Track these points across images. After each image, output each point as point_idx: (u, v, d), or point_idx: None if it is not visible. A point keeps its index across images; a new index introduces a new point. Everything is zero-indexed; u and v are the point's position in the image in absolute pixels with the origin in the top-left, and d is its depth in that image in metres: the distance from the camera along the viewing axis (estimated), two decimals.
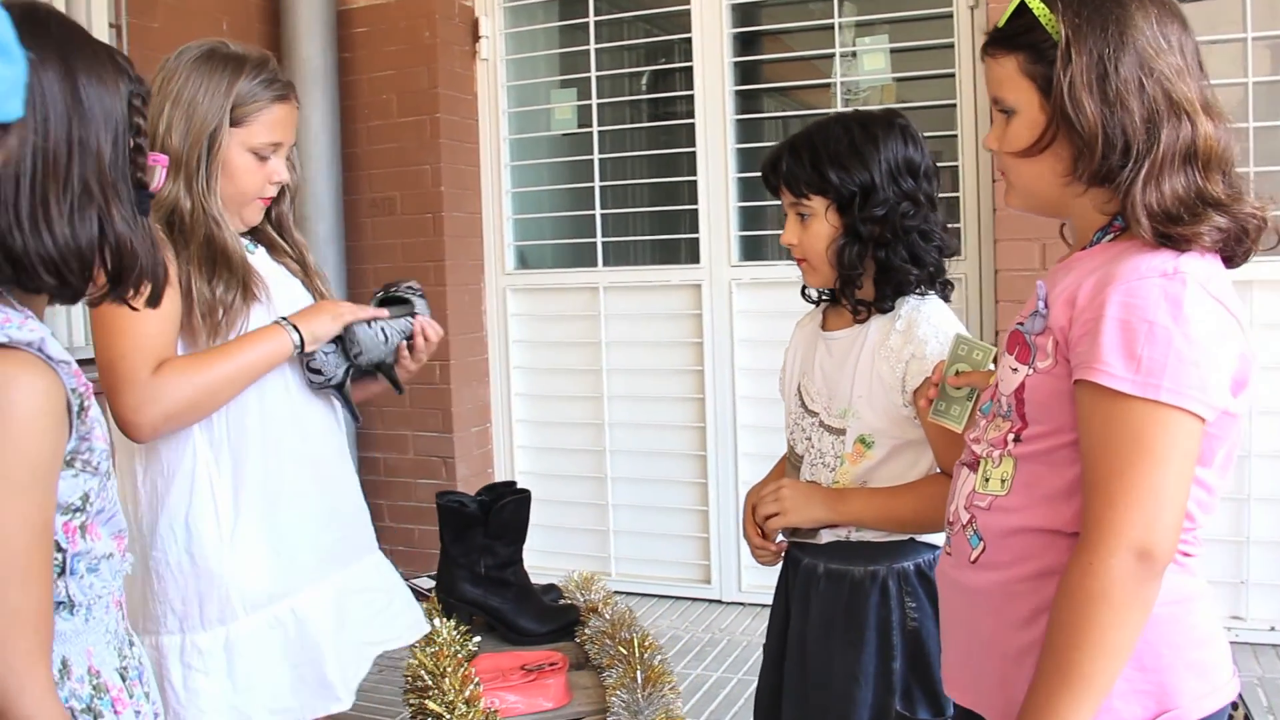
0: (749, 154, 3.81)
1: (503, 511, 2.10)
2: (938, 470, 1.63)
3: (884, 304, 1.67)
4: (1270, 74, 3.19)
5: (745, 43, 4.10)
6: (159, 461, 1.67)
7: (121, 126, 1.06)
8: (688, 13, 3.85)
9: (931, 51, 3.62)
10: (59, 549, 1.05)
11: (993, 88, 1.27)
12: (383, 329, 1.78)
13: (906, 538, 1.65)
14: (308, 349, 1.72)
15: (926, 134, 3.81)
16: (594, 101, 4.02)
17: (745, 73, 4.04)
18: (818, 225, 1.67)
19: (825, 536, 1.69)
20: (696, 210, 3.88)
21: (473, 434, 4.15)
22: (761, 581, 3.75)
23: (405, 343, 1.85)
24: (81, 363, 1.14)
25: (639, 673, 1.79)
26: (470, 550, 2.10)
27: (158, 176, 1.16)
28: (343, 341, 1.77)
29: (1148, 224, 1.14)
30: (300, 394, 1.78)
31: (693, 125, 3.86)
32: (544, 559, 4.16)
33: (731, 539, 3.86)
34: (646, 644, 1.92)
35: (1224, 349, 1.13)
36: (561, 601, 2.23)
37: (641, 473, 4.03)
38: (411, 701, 1.80)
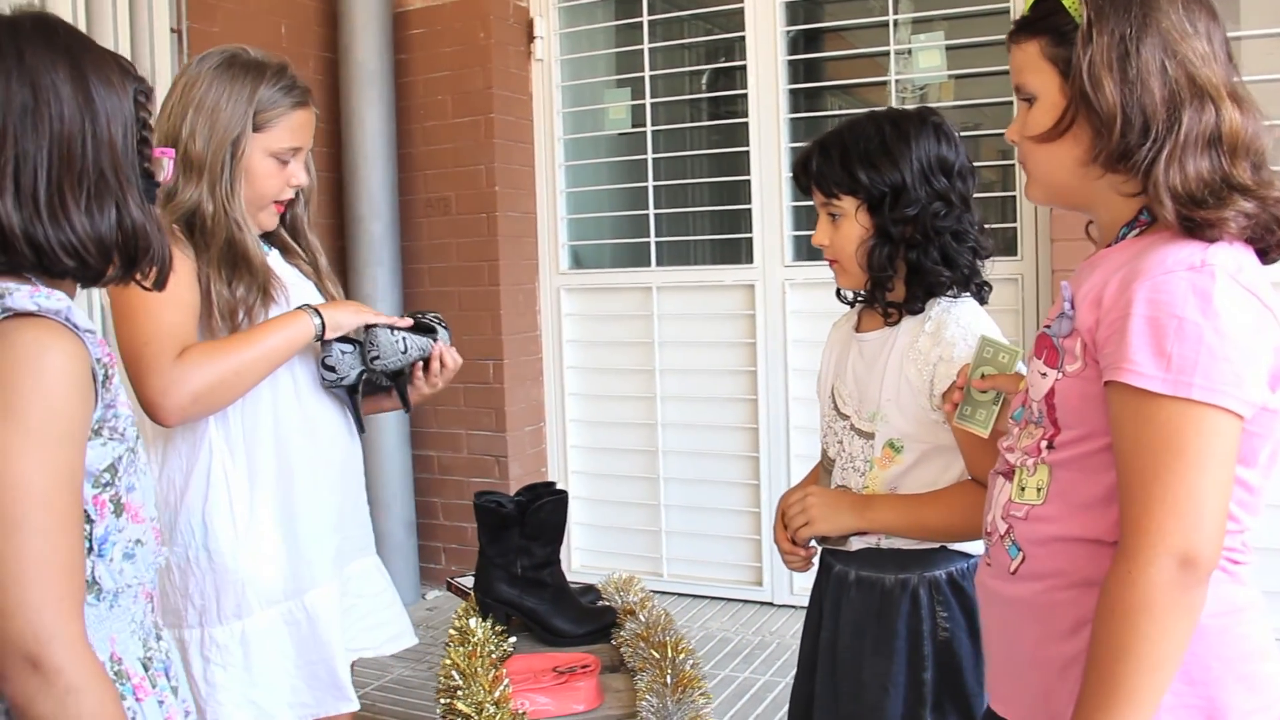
0: None
1: (540, 512, 2.10)
2: (968, 477, 1.59)
3: (914, 305, 1.64)
4: None
5: (808, 39, 4.06)
6: (177, 458, 1.71)
7: (130, 121, 1.13)
8: (741, 11, 3.82)
9: (988, 48, 3.55)
10: (88, 520, 1.08)
11: (1015, 75, 1.26)
12: (404, 339, 1.80)
13: (938, 545, 1.62)
14: (328, 335, 1.74)
15: (984, 132, 3.78)
16: (648, 101, 4.01)
17: (805, 70, 4.01)
18: (848, 226, 1.64)
19: (856, 544, 1.66)
20: (750, 210, 3.86)
21: (526, 433, 4.17)
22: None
23: (422, 364, 1.86)
24: None
25: (669, 677, 1.78)
26: (507, 550, 2.10)
27: (166, 169, 1.23)
28: (362, 345, 1.79)
29: (1171, 205, 1.11)
30: (311, 396, 1.81)
31: (746, 124, 3.84)
32: (596, 559, 4.18)
33: None
34: (680, 648, 1.90)
35: (1259, 342, 1.09)
36: (600, 603, 2.22)
37: (694, 473, 4.01)
38: (442, 701, 1.81)
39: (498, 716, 1.71)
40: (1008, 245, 3.49)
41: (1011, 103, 3.36)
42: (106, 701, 1.02)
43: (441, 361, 1.88)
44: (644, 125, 4.04)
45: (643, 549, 4.13)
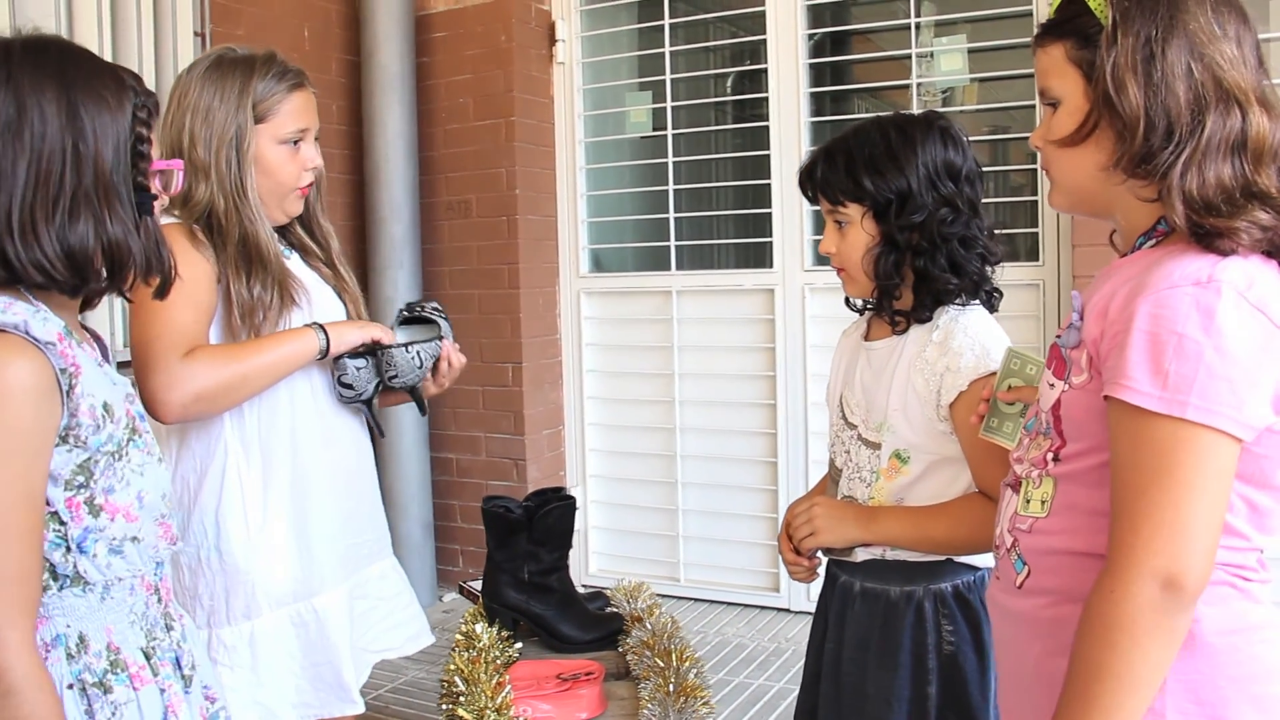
0: None
1: (548, 518, 2.09)
2: (975, 490, 1.57)
3: (922, 314, 1.61)
4: None
5: (835, 43, 4.04)
6: (191, 459, 1.72)
7: (123, 137, 1.16)
8: (763, 14, 3.80)
9: (1011, 51, 3.51)
10: (60, 522, 1.12)
11: (1039, 79, 1.23)
12: (418, 354, 1.82)
13: (944, 558, 1.59)
14: (332, 353, 1.76)
15: (1012, 136, 3.74)
16: (669, 104, 4.00)
17: (830, 74, 3.99)
18: (854, 233, 1.62)
19: (861, 555, 1.64)
20: (770, 214, 3.84)
21: (545, 436, 4.17)
22: None
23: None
24: (120, 365, 1.19)
25: (672, 685, 1.77)
26: (514, 556, 2.10)
27: (175, 181, 1.27)
28: (378, 361, 1.81)
29: (1182, 210, 1.08)
30: (328, 402, 1.83)
31: (767, 128, 3.82)
32: (613, 563, 4.18)
33: None
34: (685, 656, 1.89)
35: (1263, 362, 1.05)
36: (608, 609, 2.22)
37: (712, 478, 4.00)
38: (444, 706, 1.81)
39: None
40: (1030, 250, 3.46)
41: (1034, 106, 3.36)
42: (41, 704, 1.05)
43: (449, 362, 1.90)
44: (665, 129, 4.03)
45: (660, 554, 4.12)
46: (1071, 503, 1.17)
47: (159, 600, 1.24)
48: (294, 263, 1.84)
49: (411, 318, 1.93)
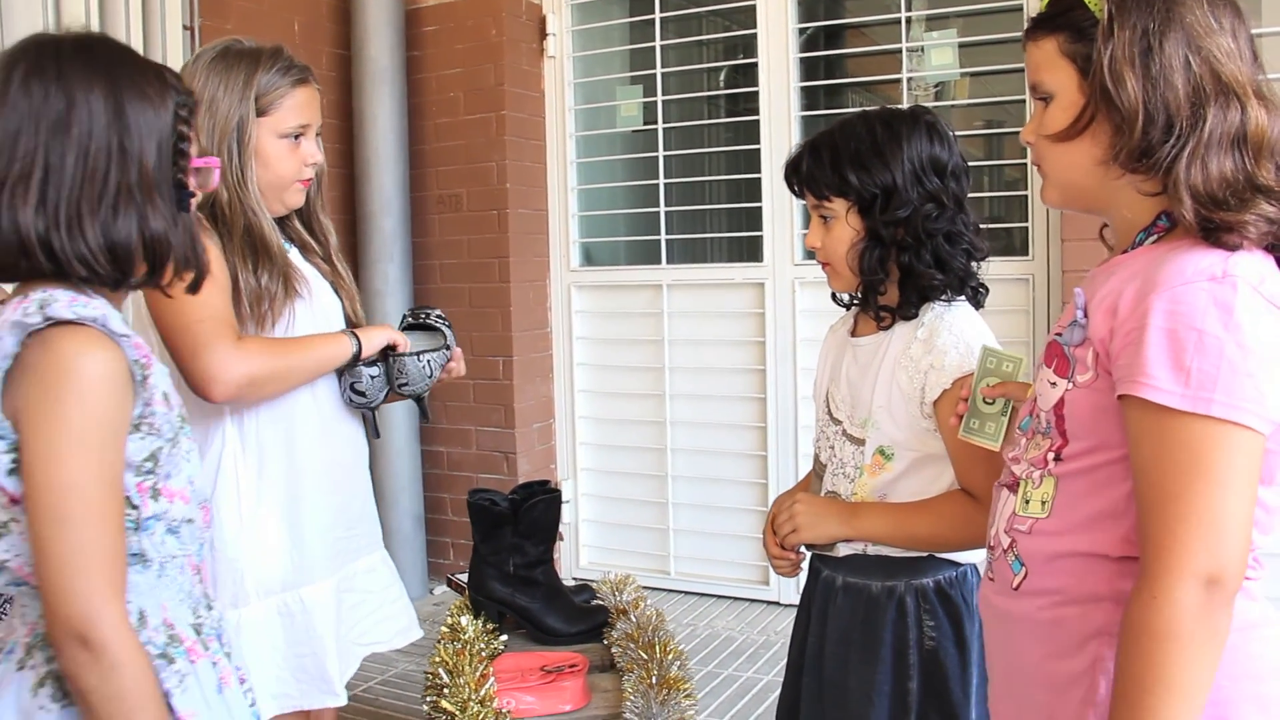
0: None
1: (533, 511, 2.10)
2: (958, 487, 1.57)
3: (908, 310, 1.61)
4: None
5: (828, 37, 4.04)
6: None
7: (166, 135, 1.19)
8: (754, 8, 3.80)
9: (1001, 46, 3.51)
10: (132, 506, 1.16)
11: (1031, 73, 1.22)
12: (429, 363, 1.86)
13: (926, 554, 1.60)
14: (362, 357, 1.82)
15: (998, 130, 3.74)
16: (659, 98, 4.00)
17: (822, 68, 3.99)
18: (839, 228, 1.62)
19: (843, 550, 1.65)
20: (761, 208, 3.84)
21: (535, 430, 4.17)
22: None
23: None
24: None
25: (654, 678, 1.77)
26: (500, 549, 2.10)
27: (212, 178, 1.31)
28: (389, 368, 1.84)
29: (1191, 205, 1.07)
30: (326, 397, 1.85)
31: (758, 122, 3.82)
32: (604, 556, 4.18)
33: None
34: (669, 649, 1.89)
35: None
36: (594, 602, 2.22)
37: (702, 472, 4.01)
38: (428, 698, 1.81)
39: (481, 715, 1.71)
40: (1019, 245, 3.46)
41: (1023, 101, 3.36)
42: (141, 677, 1.11)
43: (451, 371, 1.97)
44: (656, 123, 4.03)
45: (650, 547, 4.12)
46: (1073, 503, 1.16)
47: (199, 580, 1.30)
48: (293, 256, 1.85)
49: (415, 324, 1.96)
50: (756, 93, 3.82)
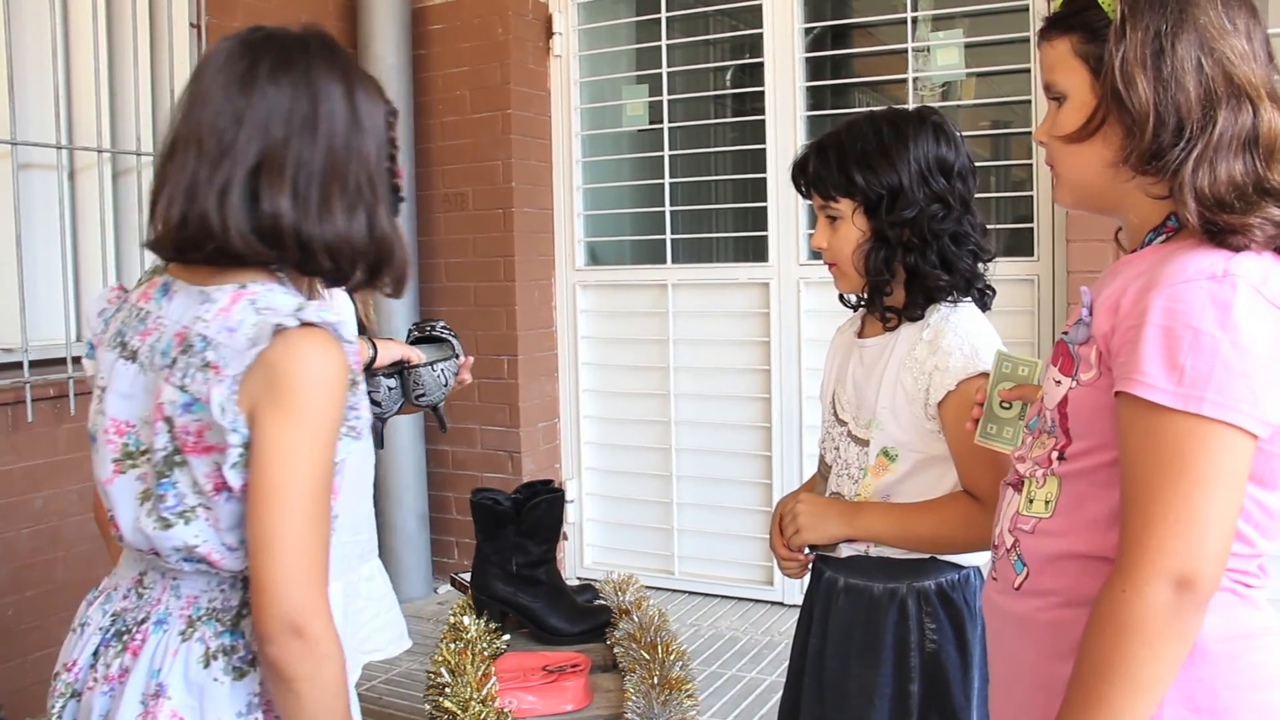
0: None
1: (535, 510, 2.09)
2: (961, 489, 1.57)
3: (913, 312, 1.61)
4: None
5: (836, 37, 4.03)
6: None
7: (384, 139, 1.23)
8: (760, 7, 3.80)
9: (1007, 46, 3.50)
10: None
11: (1045, 74, 1.21)
12: (443, 372, 1.88)
13: (928, 556, 1.59)
14: (376, 365, 1.84)
15: (1004, 130, 3.73)
16: (665, 97, 4.00)
17: (828, 67, 3.98)
18: (845, 228, 1.61)
19: (845, 550, 1.64)
20: (766, 208, 3.84)
21: (540, 429, 4.17)
22: None
23: None
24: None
25: (656, 678, 1.77)
26: (503, 548, 2.10)
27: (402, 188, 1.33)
28: (405, 380, 1.85)
29: (1194, 207, 1.06)
30: None
31: (764, 121, 3.81)
32: (608, 556, 4.18)
33: None
34: (671, 649, 1.89)
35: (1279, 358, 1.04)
36: (596, 602, 2.22)
37: (707, 472, 4.00)
38: (430, 698, 1.81)
39: (483, 715, 1.70)
40: (1024, 245, 3.45)
41: (1029, 101, 3.35)
42: (342, 669, 1.14)
43: (461, 381, 2.02)
44: (662, 122, 4.02)
45: (655, 546, 4.12)
46: (1076, 503, 1.15)
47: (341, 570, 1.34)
48: None
49: (422, 337, 1.98)
50: (762, 92, 3.82)
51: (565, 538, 4.25)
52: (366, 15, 3.91)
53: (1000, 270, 1.70)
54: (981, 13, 3.54)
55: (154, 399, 1.15)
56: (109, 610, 1.24)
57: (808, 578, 1.78)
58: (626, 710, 1.73)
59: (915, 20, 3.56)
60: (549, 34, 4.13)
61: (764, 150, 3.81)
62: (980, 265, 1.63)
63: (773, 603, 3.89)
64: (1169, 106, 1.08)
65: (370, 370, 1.85)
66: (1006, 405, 1.42)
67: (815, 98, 3.87)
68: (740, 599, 3.95)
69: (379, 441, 1.97)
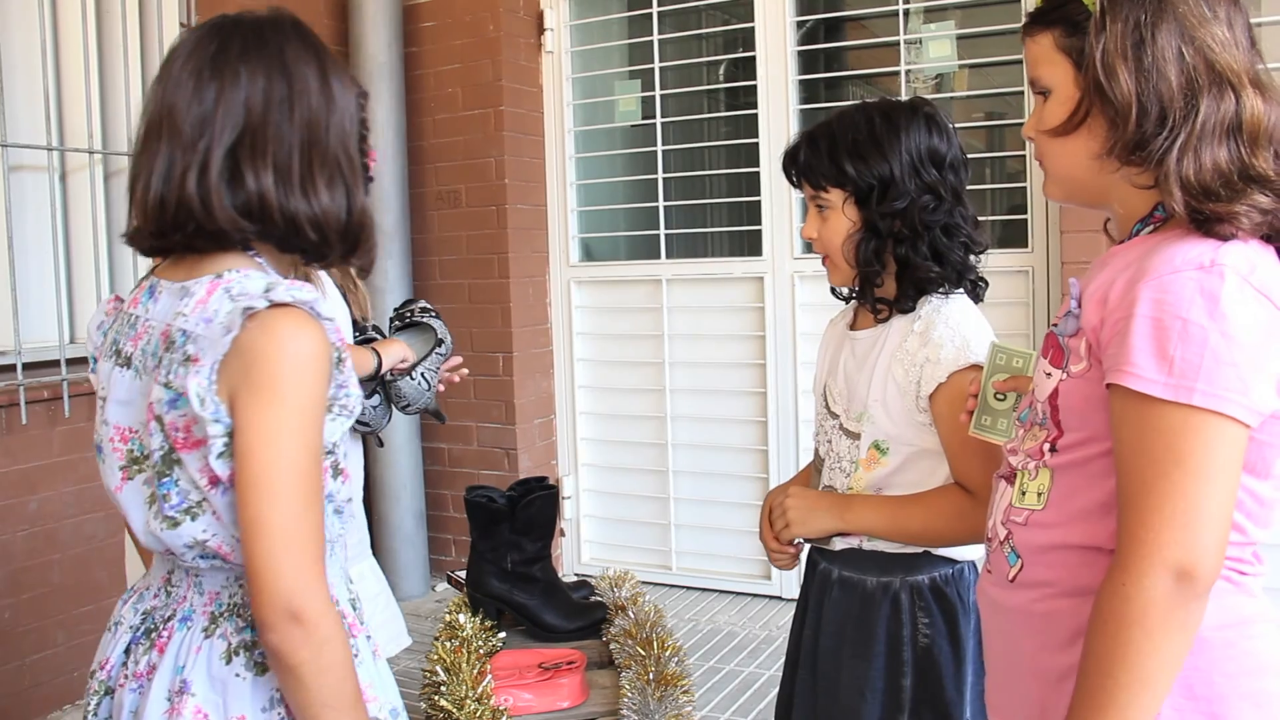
0: None
1: (530, 507, 2.09)
2: (953, 482, 1.56)
3: (905, 304, 1.60)
4: None
5: (829, 30, 4.03)
6: None
7: (356, 119, 1.24)
8: (751, 1, 3.79)
9: (1000, 38, 3.50)
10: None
11: (1030, 69, 1.21)
12: (424, 376, 1.87)
13: (922, 550, 1.59)
14: (382, 370, 1.84)
15: (998, 122, 3.73)
16: (658, 92, 3.99)
17: (821, 61, 3.97)
18: (836, 219, 1.61)
19: (838, 544, 1.64)
20: (760, 202, 3.83)
21: (536, 426, 4.17)
22: None
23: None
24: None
25: (652, 674, 1.77)
26: (497, 545, 2.10)
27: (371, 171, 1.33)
28: (388, 394, 1.85)
29: (1180, 196, 1.06)
30: None
31: (756, 116, 3.81)
32: (605, 551, 4.18)
33: None
34: (667, 645, 1.89)
35: (1269, 347, 1.03)
36: (592, 598, 2.22)
37: (703, 466, 4.00)
38: (426, 696, 1.81)
39: (479, 712, 1.70)
40: (1019, 237, 3.45)
41: (1023, 92, 3.34)
42: (345, 650, 1.13)
43: (452, 378, 2.03)
44: (654, 117, 4.02)
45: (652, 542, 4.12)
46: (1069, 495, 1.15)
47: (346, 556, 1.32)
48: None
49: (404, 325, 1.97)
50: (755, 86, 3.81)
51: (562, 534, 4.25)
52: (357, 13, 3.89)
53: (995, 262, 1.69)
54: (973, 4, 3.54)
55: (146, 400, 1.15)
56: (140, 609, 1.24)
57: (803, 568, 1.78)
58: (622, 706, 1.73)
59: (907, 12, 3.55)
60: (540, 30, 4.13)
61: (757, 144, 3.81)
62: (972, 257, 1.63)
63: (770, 597, 3.89)
64: (1151, 96, 1.08)
65: (373, 379, 1.85)
66: (1001, 397, 1.42)
67: (808, 91, 3.86)
68: (738, 593, 3.95)
69: (377, 440, 1.97)
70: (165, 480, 1.14)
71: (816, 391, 1.78)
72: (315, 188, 1.16)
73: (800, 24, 3.81)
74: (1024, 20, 1.23)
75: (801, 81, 3.80)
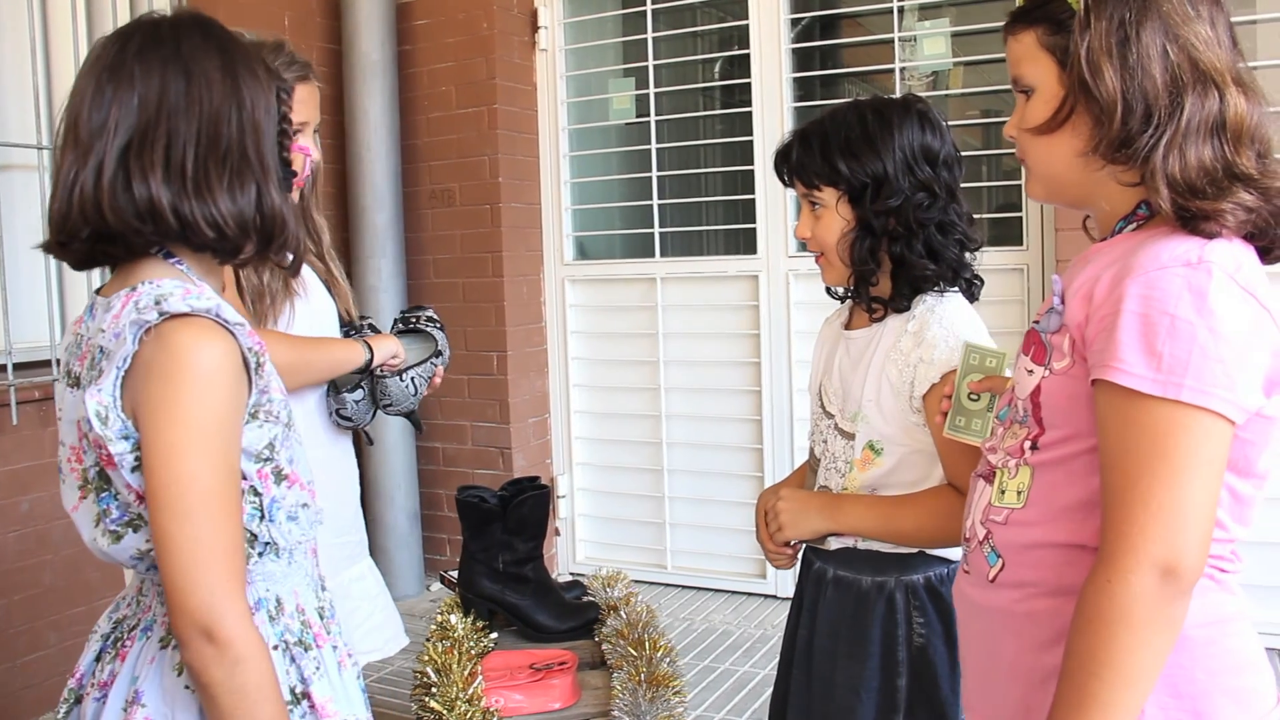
0: None
1: (521, 507, 2.08)
2: (946, 483, 1.55)
3: (900, 303, 1.59)
4: None
5: (824, 28, 4.01)
6: None
7: (273, 114, 1.21)
8: None
9: (994, 35, 3.49)
10: (255, 493, 1.17)
11: (1012, 67, 1.21)
12: (413, 380, 1.87)
13: (917, 550, 1.58)
14: (374, 364, 1.84)
15: (995, 119, 3.72)
16: (652, 90, 3.98)
17: (816, 58, 3.96)
18: (830, 218, 1.60)
19: (833, 543, 1.63)
20: (754, 200, 3.82)
21: (530, 425, 4.16)
22: None
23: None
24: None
25: (643, 675, 1.76)
26: (489, 546, 2.08)
27: (303, 165, 1.35)
28: (374, 389, 1.88)
29: (1167, 193, 1.06)
30: (316, 406, 1.84)
31: (750, 114, 3.80)
32: (600, 551, 4.17)
33: None
34: (659, 645, 1.87)
35: (1255, 344, 1.04)
36: (585, 598, 2.20)
37: (698, 465, 3.99)
38: (416, 697, 1.80)
39: (470, 714, 1.69)
40: (1014, 235, 3.44)
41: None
42: (264, 670, 1.10)
43: (434, 385, 2.00)
44: (649, 115, 4.00)
45: (647, 541, 4.11)
46: (1050, 493, 1.14)
47: (316, 563, 1.30)
48: None
49: (406, 329, 1.96)
50: (749, 84, 3.80)
51: (557, 533, 4.23)
52: (350, 11, 3.88)
53: (990, 259, 1.69)
54: (967, 1, 3.53)
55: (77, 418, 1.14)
56: (114, 618, 1.24)
57: (799, 566, 1.77)
58: (614, 707, 1.72)
59: (902, 10, 3.54)
60: (534, 28, 4.11)
61: (751, 142, 3.80)
62: (967, 254, 1.62)
63: (766, 596, 3.88)
64: (1136, 94, 1.08)
65: (362, 372, 1.84)
66: (975, 397, 1.42)
67: (803, 88, 3.85)
68: (733, 592, 3.94)
69: (367, 439, 1.96)
70: (104, 495, 1.13)
71: (812, 391, 1.77)
72: (211, 188, 1.13)
73: (795, 21, 3.80)
74: (1006, 19, 1.23)
75: (796, 79, 3.79)
